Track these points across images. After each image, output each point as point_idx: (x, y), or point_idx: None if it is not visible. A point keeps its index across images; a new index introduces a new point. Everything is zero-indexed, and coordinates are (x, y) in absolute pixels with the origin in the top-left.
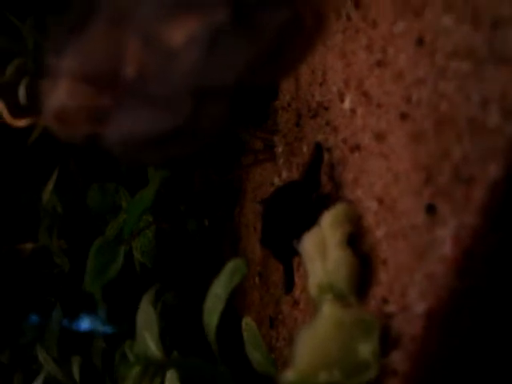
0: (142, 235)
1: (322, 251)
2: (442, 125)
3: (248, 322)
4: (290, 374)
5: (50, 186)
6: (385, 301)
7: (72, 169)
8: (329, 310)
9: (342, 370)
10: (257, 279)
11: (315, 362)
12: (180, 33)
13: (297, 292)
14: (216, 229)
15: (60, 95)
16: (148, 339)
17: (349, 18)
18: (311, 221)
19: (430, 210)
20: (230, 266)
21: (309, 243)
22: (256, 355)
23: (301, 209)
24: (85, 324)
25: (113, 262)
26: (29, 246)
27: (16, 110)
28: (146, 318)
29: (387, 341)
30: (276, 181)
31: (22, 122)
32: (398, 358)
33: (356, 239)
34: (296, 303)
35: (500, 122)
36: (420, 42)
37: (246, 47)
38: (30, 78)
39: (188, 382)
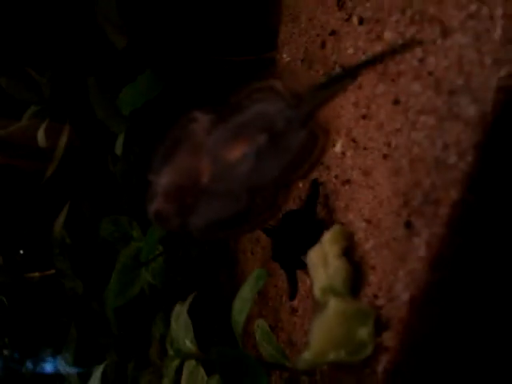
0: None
1: (323, 261)
2: (415, 162)
3: (259, 323)
4: (306, 355)
5: (61, 218)
6: (375, 296)
7: (82, 204)
8: (334, 304)
9: (346, 349)
10: (255, 296)
11: (325, 345)
12: (237, 152)
13: (295, 302)
14: (214, 255)
15: (158, 201)
16: (184, 337)
17: None
18: (313, 240)
19: (408, 225)
20: (255, 274)
21: (313, 256)
22: (269, 349)
23: (303, 231)
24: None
25: (134, 281)
26: (37, 274)
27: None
28: (182, 320)
29: (380, 324)
30: None
31: (34, 166)
32: (388, 337)
33: (350, 251)
34: (294, 310)
35: (456, 160)
36: (396, 101)
37: (279, 159)
38: (48, 123)
39: (221, 369)
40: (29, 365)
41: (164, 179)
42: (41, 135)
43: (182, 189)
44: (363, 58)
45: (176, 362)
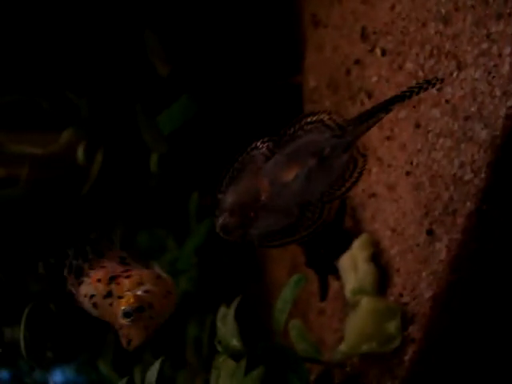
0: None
1: (353, 266)
2: (435, 179)
3: (294, 323)
4: (342, 347)
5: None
6: (401, 295)
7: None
8: (365, 303)
9: (377, 341)
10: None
11: (358, 338)
12: (290, 174)
13: (323, 304)
14: (244, 264)
15: (224, 216)
16: (231, 336)
17: (362, 104)
18: (343, 247)
19: (430, 232)
20: (294, 278)
21: (344, 261)
22: (304, 345)
23: (334, 239)
24: None
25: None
26: None
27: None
28: (229, 321)
29: (406, 319)
30: None
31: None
32: (414, 330)
33: (376, 256)
34: (322, 312)
35: (472, 177)
36: (417, 125)
37: (325, 179)
38: (86, 143)
39: (266, 362)
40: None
41: (230, 198)
42: (80, 153)
43: (245, 206)
44: (394, 94)
45: (224, 357)
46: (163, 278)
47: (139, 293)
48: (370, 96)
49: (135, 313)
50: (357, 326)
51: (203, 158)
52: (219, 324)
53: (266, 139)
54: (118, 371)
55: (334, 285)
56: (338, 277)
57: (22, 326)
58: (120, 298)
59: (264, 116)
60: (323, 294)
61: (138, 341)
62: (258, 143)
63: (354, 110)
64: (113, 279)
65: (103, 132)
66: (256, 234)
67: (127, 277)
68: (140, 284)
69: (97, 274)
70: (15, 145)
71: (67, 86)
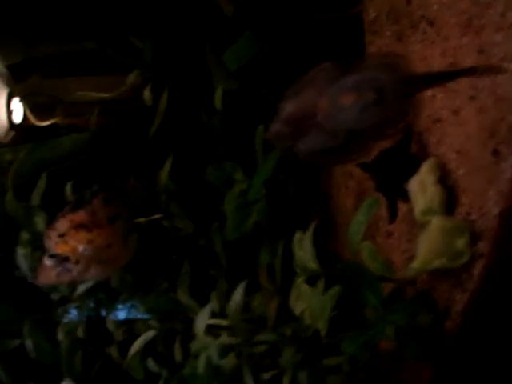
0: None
1: (422, 188)
2: (499, 102)
3: (366, 244)
4: (414, 264)
5: (167, 168)
6: (468, 214)
7: (185, 155)
8: (436, 222)
9: (447, 257)
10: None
11: (430, 255)
12: (349, 99)
13: (391, 226)
14: (309, 192)
15: (280, 123)
16: (308, 258)
17: (424, 33)
18: (411, 171)
19: (495, 153)
20: (368, 201)
21: (413, 184)
22: (375, 265)
23: (401, 164)
24: None
25: (247, 218)
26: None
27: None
28: (306, 244)
29: (474, 236)
30: None
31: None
32: (482, 245)
33: (444, 179)
34: (391, 234)
35: None
36: (480, 51)
37: (378, 115)
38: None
39: (343, 281)
40: None
41: (289, 108)
42: (147, 95)
43: (300, 119)
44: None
45: (303, 278)
46: None
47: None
48: (431, 24)
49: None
50: (428, 243)
51: (267, 93)
52: (296, 248)
53: (336, 63)
54: (195, 299)
55: (401, 208)
56: (405, 200)
57: None
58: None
59: (326, 49)
60: (392, 216)
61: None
62: (328, 65)
63: (415, 39)
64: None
65: (168, 73)
66: (302, 148)
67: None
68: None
69: None
70: (83, 91)
71: (130, 30)
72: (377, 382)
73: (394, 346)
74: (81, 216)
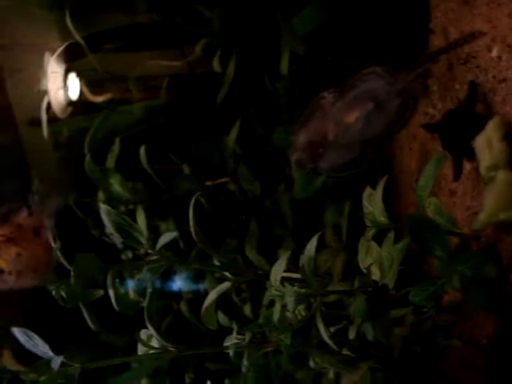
0: None
1: (488, 145)
2: None
3: (432, 200)
4: (481, 216)
5: (234, 133)
6: None
7: (252, 119)
8: (502, 176)
9: None
10: (414, 185)
11: (496, 207)
12: (352, 116)
13: (453, 185)
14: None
15: (298, 153)
16: (378, 213)
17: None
18: (477, 129)
19: None
20: (436, 157)
21: (479, 141)
22: (441, 220)
23: (467, 123)
24: None
25: (315, 177)
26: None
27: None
28: (376, 199)
29: None
30: (430, 111)
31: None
32: None
33: (509, 136)
34: (454, 192)
35: None
36: None
37: (382, 120)
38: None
39: (411, 233)
40: None
41: (302, 138)
42: (216, 62)
43: (315, 144)
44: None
45: (373, 231)
46: None
47: None
48: None
49: None
50: (494, 196)
51: (332, 59)
52: (366, 203)
53: (330, 90)
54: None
55: (465, 167)
56: (469, 159)
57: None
58: None
59: (392, 14)
60: (457, 173)
61: None
62: (325, 93)
63: (482, 1)
64: None
65: (235, 41)
66: (325, 167)
67: None
68: None
69: None
70: (155, 61)
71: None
72: (440, 333)
73: (457, 299)
74: (8, 229)
